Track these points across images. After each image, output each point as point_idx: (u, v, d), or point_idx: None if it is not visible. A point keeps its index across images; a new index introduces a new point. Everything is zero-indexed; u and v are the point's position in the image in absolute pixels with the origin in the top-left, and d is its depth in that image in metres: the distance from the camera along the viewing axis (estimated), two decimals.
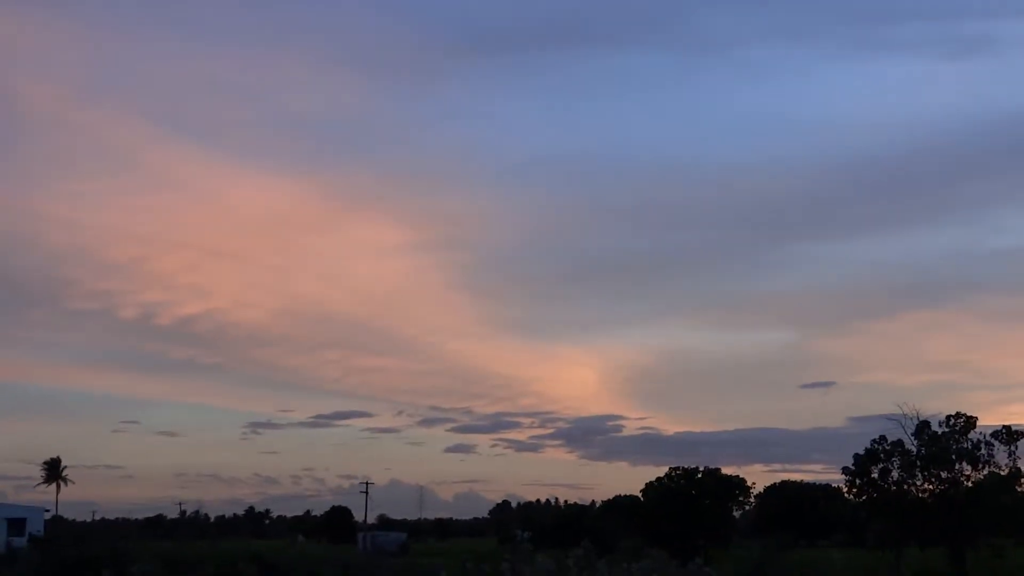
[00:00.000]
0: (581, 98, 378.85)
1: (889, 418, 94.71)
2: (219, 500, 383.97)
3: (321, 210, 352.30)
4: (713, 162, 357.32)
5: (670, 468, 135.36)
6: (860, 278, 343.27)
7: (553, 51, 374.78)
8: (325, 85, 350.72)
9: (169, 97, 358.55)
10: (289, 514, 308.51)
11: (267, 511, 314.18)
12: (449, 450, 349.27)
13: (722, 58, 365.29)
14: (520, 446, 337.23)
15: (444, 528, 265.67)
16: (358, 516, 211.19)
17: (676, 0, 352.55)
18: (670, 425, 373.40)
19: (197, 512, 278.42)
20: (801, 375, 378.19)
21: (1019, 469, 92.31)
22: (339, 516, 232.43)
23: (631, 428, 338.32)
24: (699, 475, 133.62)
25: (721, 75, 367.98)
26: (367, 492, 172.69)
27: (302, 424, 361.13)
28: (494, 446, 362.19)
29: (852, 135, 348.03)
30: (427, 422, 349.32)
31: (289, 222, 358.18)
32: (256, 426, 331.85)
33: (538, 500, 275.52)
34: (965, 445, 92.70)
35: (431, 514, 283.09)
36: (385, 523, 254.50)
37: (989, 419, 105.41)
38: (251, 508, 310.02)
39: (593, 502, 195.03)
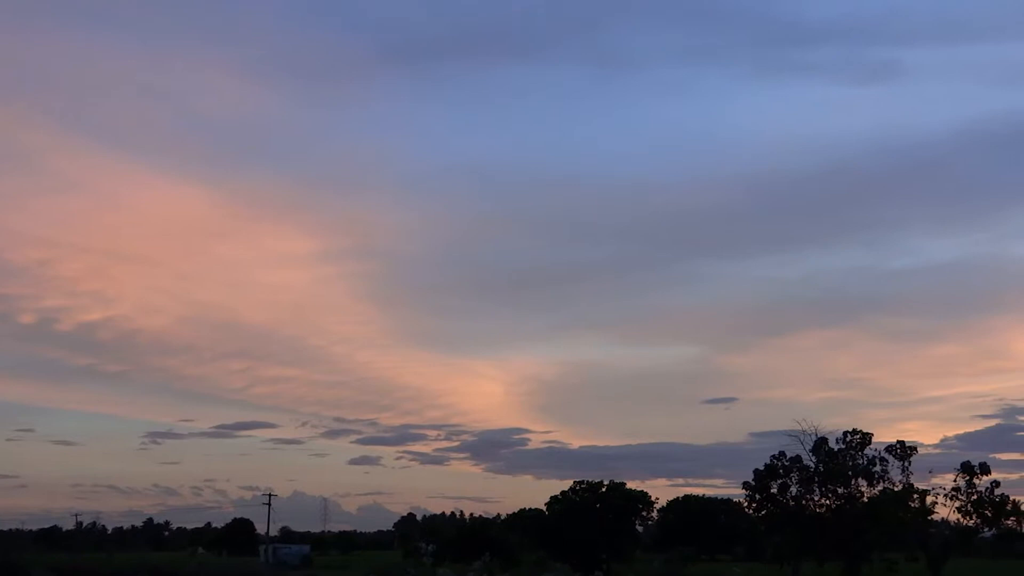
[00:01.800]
0: (496, 110, 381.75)
1: (788, 434, 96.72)
2: (117, 511, 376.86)
3: (229, 217, 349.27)
4: (625, 177, 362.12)
5: (574, 482, 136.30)
6: (764, 295, 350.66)
7: (469, 63, 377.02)
8: (237, 90, 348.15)
9: (75, 98, 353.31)
10: (189, 526, 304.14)
11: (166, 523, 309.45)
12: (354, 462, 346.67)
13: (638, 75, 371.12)
14: (426, 459, 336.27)
15: (348, 541, 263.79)
16: (260, 528, 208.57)
17: (595, 17, 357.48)
18: (575, 439, 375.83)
19: (94, 523, 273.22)
20: (704, 390, 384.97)
21: (912, 485, 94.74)
22: (241, 528, 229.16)
23: (536, 441, 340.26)
24: (603, 489, 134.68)
25: (637, 92, 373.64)
26: (270, 504, 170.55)
27: (204, 434, 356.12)
28: (399, 458, 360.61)
29: (761, 155, 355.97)
30: (332, 433, 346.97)
31: (196, 228, 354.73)
32: (156, 436, 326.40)
33: (443, 513, 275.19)
34: (861, 461, 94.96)
35: (335, 527, 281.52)
36: (288, 536, 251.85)
37: (885, 436, 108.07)
38: (150, 520, 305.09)
39: (498, 515, 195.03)
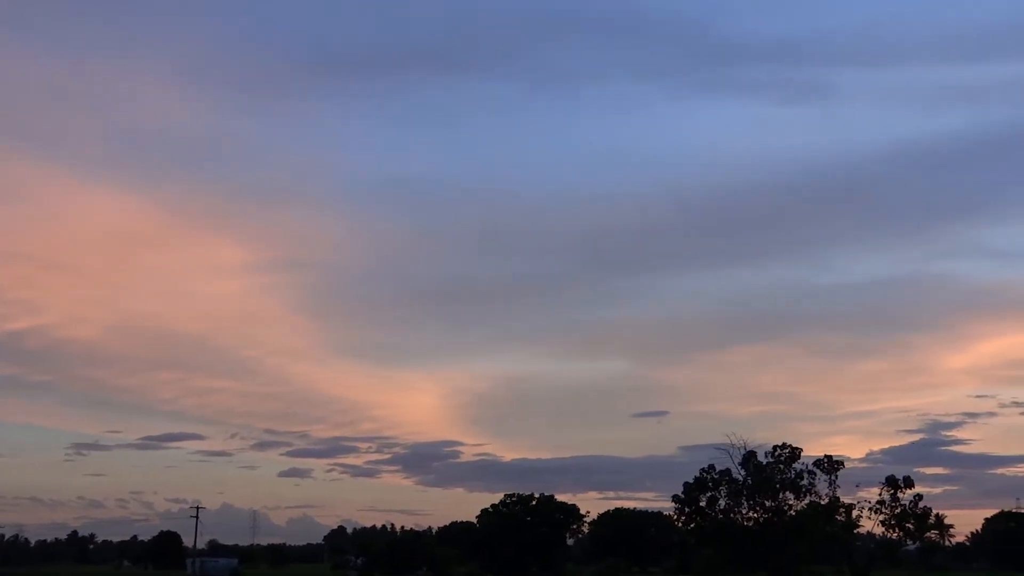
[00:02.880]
0: (431, 124, 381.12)
1: (718, 448, 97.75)
2: (40, 524, 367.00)
3: (161, 226, 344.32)
4: (559, 193, 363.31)
5: (505, 495, 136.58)
6: (696, 311, 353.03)
7: (404, 77, 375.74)
8: (171, 100, 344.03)
9: (5, 105, 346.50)
10: (115, 539, 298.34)
11: (92, 536, 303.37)
12: (284, 474, 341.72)
13: (572, 92, 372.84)
14: (357, 471, 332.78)
15: (277, 554, 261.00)
16: (188, 542, 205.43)
17: (530, 33, 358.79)
18: (508, 452, 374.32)
19: (16, 536, 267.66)
20: (636, 404, 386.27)
21: (838, 498, 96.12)
22: (168, 541, 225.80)
23: (469, 454, 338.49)
24: (534, 502, 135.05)
25: (570, 108, 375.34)
26: (197, 517, 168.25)
27: (131, 446, 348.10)
28: (330, 471, 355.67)
29: (694, 172, 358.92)
30: (262, 446, 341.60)
31: (128, 238, 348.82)
32: (81, 447, 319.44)
33: (374, 526, 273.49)
34: (789, 475, 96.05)
35: (264, 540, 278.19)
36: (216, 549, 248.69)
37: (813, 450, 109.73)
38: (74, 532, 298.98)
39: (429, 528, 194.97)
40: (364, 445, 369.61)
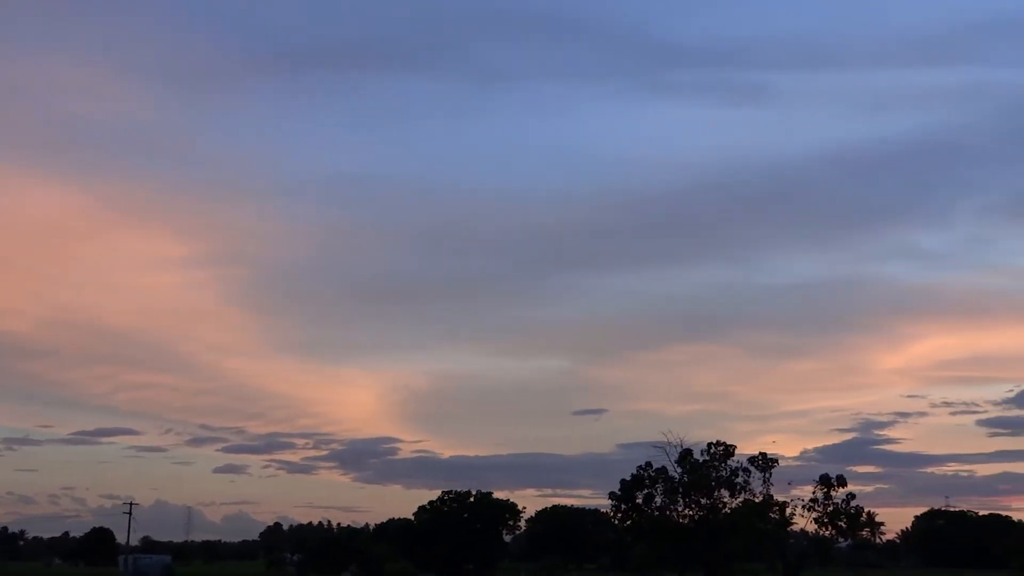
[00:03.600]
0: (375, 121, 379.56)
1: (654, 445, 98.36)
2: None
3: (96, 219, 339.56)
4: (500, 191, 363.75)
5: (443, 492, 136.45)
6: (634, 310, 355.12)
7: (348, 73, 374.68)
8: (106, 90, 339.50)
9: None
10: (46, 535, 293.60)
11: (22, 532, 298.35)
12: (219, 470, 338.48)
13: (515, 91, 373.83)
14: (293, 468, 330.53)
15: (212, 550, 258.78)
16: (120, 538, 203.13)
17: (474, 32, 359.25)
18: (446, 448, 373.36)
19: None
20: (574, 402, 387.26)
21: (772, 496, 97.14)
22: (100, 538, 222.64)
23: (407, 451, 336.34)
24: (471, 499, 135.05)
25: (513, 107, 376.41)
26: (130, 513, 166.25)
27: (63, 441, 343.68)
28: (266, 467, 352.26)
29: (633, 172, 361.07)
30: (197, 441, 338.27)
31: (61, 230, 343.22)
32: (11, 442, 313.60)
33: (310, 523, 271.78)
34: (724, 472, 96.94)
35: (199, 536, 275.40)
36: (149, 545, 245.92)
37: (748, 448, 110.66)
38: (4, 529, 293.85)
39: (367, 525, 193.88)
40: (301, 441, 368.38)
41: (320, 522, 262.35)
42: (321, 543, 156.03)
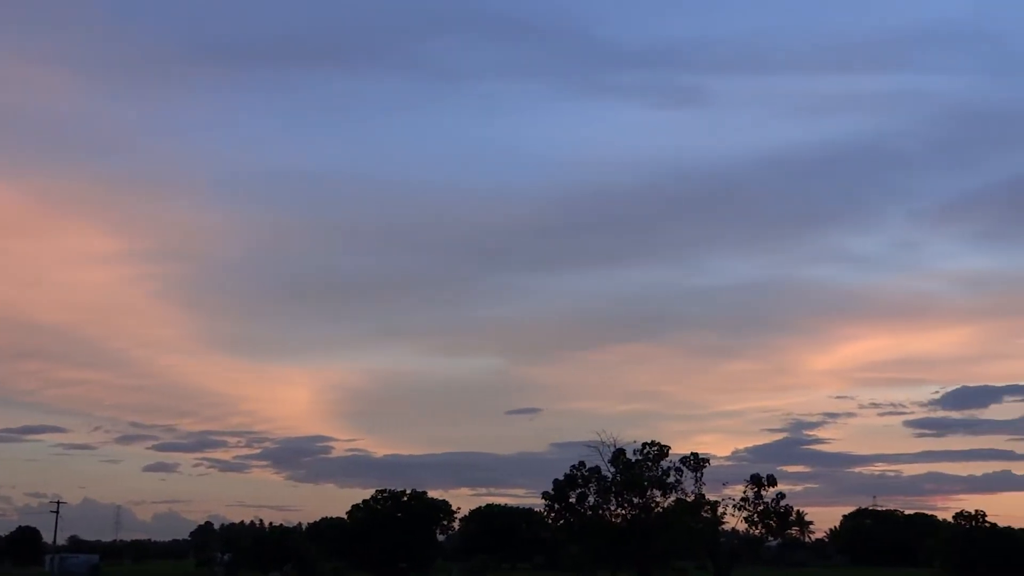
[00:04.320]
0: (315, 117, 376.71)
1: (588, 445, 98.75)
2: None
3: (25, 213, 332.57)
4: (438, 189, 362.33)
5: (376, 491, 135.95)
6: (570, 309, 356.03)
7: (289, 68, 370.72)
8: (38, 82, 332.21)
9: None
10: None
11: None
12: (149, 469, 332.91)
13: (458, 88, 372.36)
14: (225, 466, 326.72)
15: (141, 550, 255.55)
16: (47, 537, 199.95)
17: (416, 30, 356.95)
18: (380, 447, 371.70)
19: None
20: (509, 401, 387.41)
21: (704, 496, 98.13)
22: (25, 537, 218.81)
23: (340, 450, 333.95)
24: (405, 498, 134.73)
25: (455, 105, 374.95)
26: (57, 512, 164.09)
27: None
28: (197, 465, 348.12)
29: (572, 172, 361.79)
30: (126, 439, 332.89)
31: None
32: None
33: (242, 522, 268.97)
34: (657, 472, 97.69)
35: (128, 535, 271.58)
36: (77, 545, 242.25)
37: (681, 448, 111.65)
38: None
39: (299, 524, 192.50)
40: (233, 439, 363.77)
41: (252, 521, 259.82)
42: (253, 542, 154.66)
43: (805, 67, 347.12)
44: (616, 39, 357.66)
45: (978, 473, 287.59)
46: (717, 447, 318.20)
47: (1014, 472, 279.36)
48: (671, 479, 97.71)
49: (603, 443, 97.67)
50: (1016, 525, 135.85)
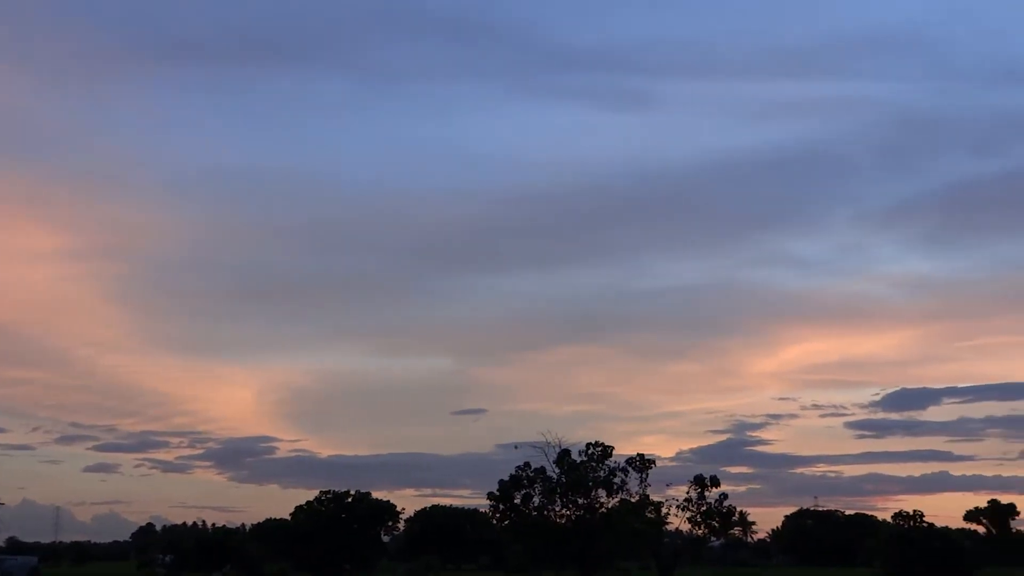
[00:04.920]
0: (261, 115, 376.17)
1: (533, 446, 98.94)
2: None
3: None
4: (386, 189, 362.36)
5: (320, 492, 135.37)
6: (517, 310, 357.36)
7: (235, 67, 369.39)
8: None
9: None
10: None
11: None
12: (89, 469, 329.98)
13: (403, 89, 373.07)
14: (167, 467, 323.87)
15: (81, 552, 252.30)
16: None
17: (363, 30, 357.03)
18: (325, 448, 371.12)
19: None
20: (455, 402, 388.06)
21: (648, 496, 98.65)
22: None
23: (285, 450, 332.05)
24: (349, 499, 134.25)
25: (401, 105, 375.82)
26: None
27: None
28: (139, 466, 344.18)
29: (519, 173, 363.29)
30: (66, 439, 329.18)
31: None
32: None
33: (184, 523, 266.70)
34: (602, 473, 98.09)
35: (68, 537, 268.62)
36: (15, 546, 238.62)
37: (626, 448, 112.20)
38: None
39: (243, 525, 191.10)
40: (176, 440, 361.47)
41: (195, 522, 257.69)
42: (195, 544, 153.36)
43: (752, 72, 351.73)
44: (565, 41, 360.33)
45: (917, 474, 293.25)
46: (661, 448, 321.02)
47: (951, 473, 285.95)
48: (616, 480, 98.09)
49: (548, 444, 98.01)
50: (953, 525, 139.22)
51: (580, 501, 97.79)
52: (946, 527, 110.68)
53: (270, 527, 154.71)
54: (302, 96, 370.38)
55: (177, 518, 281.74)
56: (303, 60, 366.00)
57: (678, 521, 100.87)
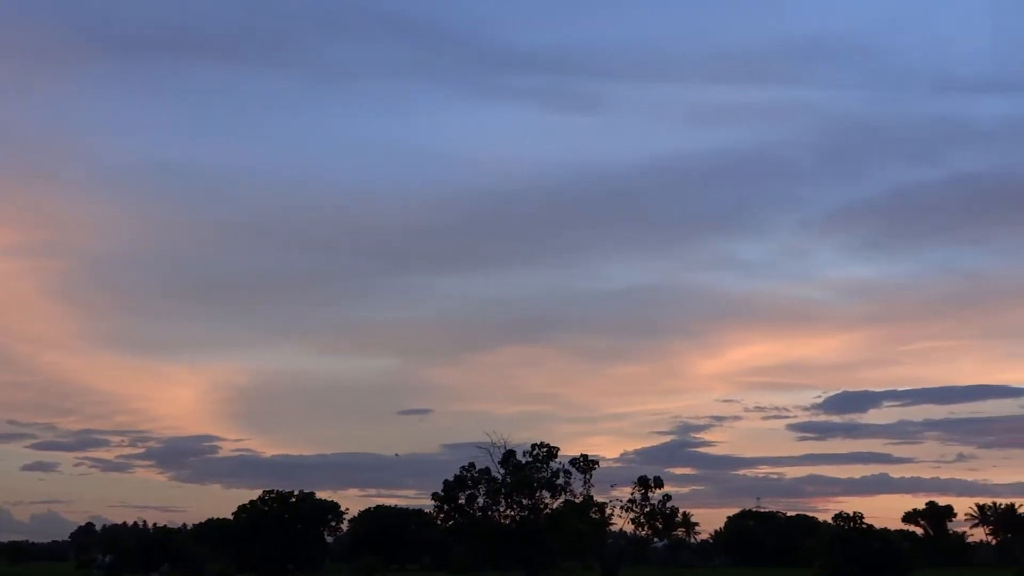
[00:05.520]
0: (207, 112, 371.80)
1: (478, 446, 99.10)
2: None
3: None
4: (333, 187, 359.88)
5: (264, 492, 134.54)
6: (464, 311, 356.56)
7: (181, 61, 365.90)
8: None
9: None
10: None
11: None
12: (27, 468, 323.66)
13: (353, 87, 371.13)
14: (108, 466, 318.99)
15: (19, 551, 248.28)
16: None
17: (308, 26, 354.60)
18: (268, 447, 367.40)
19: None
20: (401, 402, 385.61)
21: (592, 497, 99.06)
22: None
23: (227, 450, 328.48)
24: (293, 499, 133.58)
25: (350, 103, 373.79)
26: None
27: None
28: (79, 465, 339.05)
29: (468, 174, 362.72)
30: (4, 437, 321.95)
31: None
32: None
33: (125, 523, 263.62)
34: (546, 474, 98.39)
35: (5, 536, 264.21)
36: None
37: (572, 449, 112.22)
38: None
39: (185, 525, 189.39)
40: (117, 439, 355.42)
41: (135, 522, 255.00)
42: (135, 544, 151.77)
43: (700, 77, 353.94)
44: (515, 42, 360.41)
45: (857, 476, 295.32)
46: (606, 449, 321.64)
47: (891, 475, 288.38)
48: (560, 480, 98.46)
49: (493, 444, 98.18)
50: (892, 527, 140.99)
51: (524, 502, 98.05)
52: (885, 528, 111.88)
53: (212, 527, 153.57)
54: (249, 92, 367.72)
55: (117, 518, 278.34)
56: (251, 56, 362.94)
57: (622, 522, 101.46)
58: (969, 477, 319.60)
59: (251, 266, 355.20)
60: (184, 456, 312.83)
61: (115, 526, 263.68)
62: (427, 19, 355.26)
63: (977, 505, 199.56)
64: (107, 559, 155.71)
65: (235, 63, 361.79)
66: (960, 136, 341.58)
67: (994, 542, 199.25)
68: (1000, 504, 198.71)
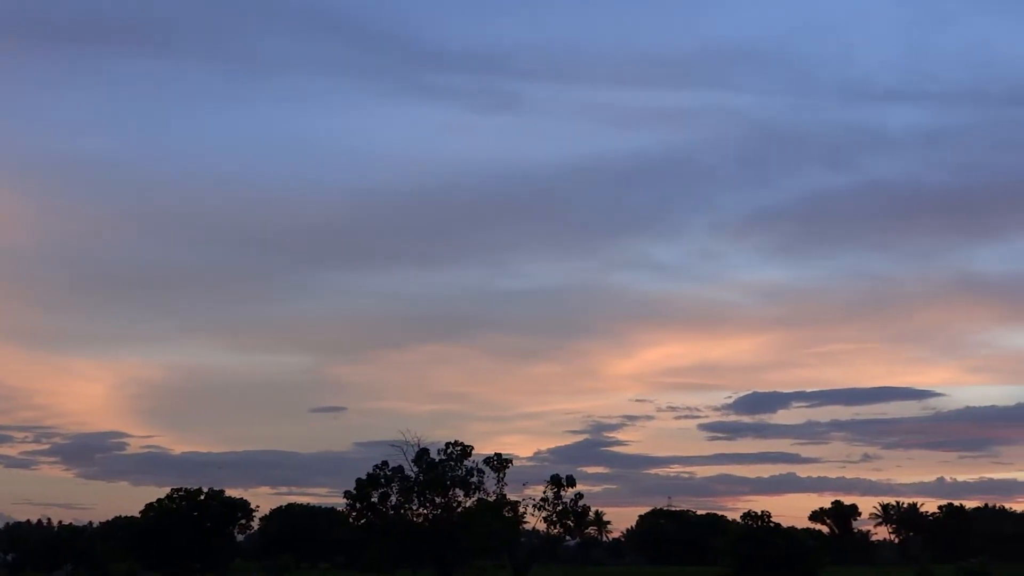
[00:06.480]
0: (121, 102, 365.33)
1: (392, 444, 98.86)
2: None
3: None
4: (248, 182, 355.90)
5: (172, 489, 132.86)
6: (378, 308, 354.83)
7: (96, 50, 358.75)
8: None
9: None
10: None
11: None
12: None
13: (270, 81, 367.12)
14: (11, 462, 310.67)
15: None
16: None
17: (232, 19, 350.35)
18: (178, 444, 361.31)
19: None
20: (313, 399, 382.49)
21: (505, 496, 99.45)
22: None
23: (136, 446, 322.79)
24: (202, 497, 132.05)
25: (267, 97, 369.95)
26: None
27: None
28: None
29: (385, 171, 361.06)
30: None
31: None
32: None
33: (29, 521, 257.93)
34: (459, 472, 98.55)
35: None
36: None
37: (486, 448, 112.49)
38: None
39: (91, 523, 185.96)
40: (20, 435, 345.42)
41: (40, 520, 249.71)
42: (40, 542, 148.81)
43: (621, 80, 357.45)
44: (436, 41, 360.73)
45: (765, 475, 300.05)
46: (520, 448, 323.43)
47: (798, 474, 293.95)
48: (474, 479, 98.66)
49: (407, 443, 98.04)
50: (799, 525, 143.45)
51: (438, 500, 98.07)
52: (792, 527, 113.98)
53: (119, 525, 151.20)
54: (163, 84, 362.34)
55: (21, 515, 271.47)
56: (167, 48, 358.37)
57: (534, 520, 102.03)
58: (873, 477, 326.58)
59: (163, 260, 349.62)
60: (91, 453, 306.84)
61: (19, 524, 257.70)
62: (351, 15, 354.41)
63: (881, 504, 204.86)
64: (9, 558, 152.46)
65: (153, 55, 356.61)
66: (872, 144, 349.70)
67: (896, 540, 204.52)
68: (903, 504, 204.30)
